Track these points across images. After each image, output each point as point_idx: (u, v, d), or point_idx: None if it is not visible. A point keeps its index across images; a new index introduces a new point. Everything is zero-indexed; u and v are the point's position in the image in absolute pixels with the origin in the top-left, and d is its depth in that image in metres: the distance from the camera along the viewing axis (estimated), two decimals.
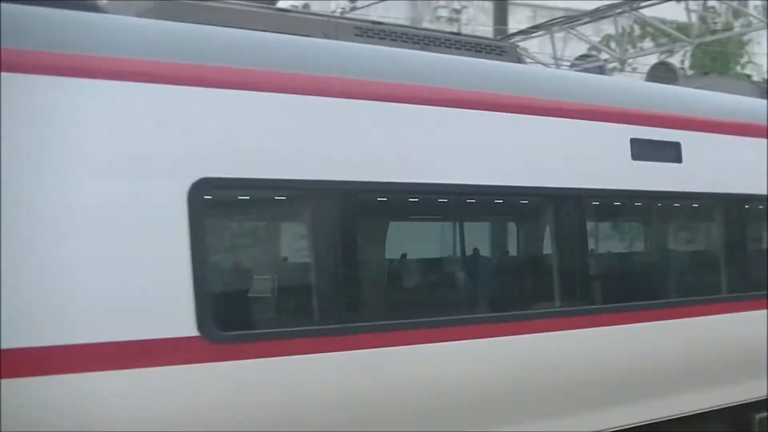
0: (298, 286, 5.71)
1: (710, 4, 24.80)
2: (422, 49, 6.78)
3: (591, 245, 7.19)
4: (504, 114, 6.56)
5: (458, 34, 7.49)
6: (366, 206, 5.85)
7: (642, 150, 7.46)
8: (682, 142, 7.77)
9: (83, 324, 4.74)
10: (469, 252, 6.59)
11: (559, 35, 18.78)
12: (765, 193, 8.40)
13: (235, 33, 5.75)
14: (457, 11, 25.28)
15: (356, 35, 6.64)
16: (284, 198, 5.66)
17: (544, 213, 6.93)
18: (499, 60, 7.26)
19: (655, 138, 7.56)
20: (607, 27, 21.47)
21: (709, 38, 24.85)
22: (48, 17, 5.09)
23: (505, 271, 7.02)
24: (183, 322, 4.97)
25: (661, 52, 24.46)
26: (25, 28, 4.93)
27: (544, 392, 6.42)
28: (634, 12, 18.03)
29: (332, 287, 5.58)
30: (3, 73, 4.76)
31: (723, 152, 8.05)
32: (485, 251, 6.95)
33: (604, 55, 20.91)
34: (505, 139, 6.52)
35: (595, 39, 21.95)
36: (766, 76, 30.64)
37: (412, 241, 6.47)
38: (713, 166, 7.96)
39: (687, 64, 27.08)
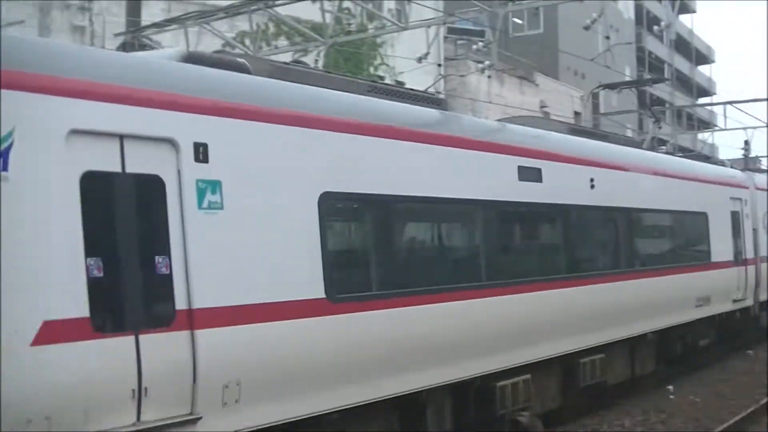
0: (377, 265, 9.48)
1: (345, 5, 25.34)
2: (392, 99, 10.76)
3: (498, 236, 11.38)
4: (445, 148, 10.51)
5: (414, 90, 11.50)
6: (392, 210, 9.88)
7: (523, 174, 11.96)
8: (542, 168, 12.41)
9: (264, 290, 7.96)
10: (424, 241, 10.71)
11: (193, 30, 18.36)
12: (590, 203, 13.56)
13: (333, 95, 9.48)
14: None
15: (368, 91, 10.46)
16: (362, 204, 9.31)
17: (468, 215, 10.99)
18: (437, 108, 11.30)
19: (528, 166, 12.01)
20: (242, 23, 21.43)
21: (343, 39, 25.26)
22: (236, 81, 8.38)
23: (450, 254, 11.02)
24: (315, 291, 8.49)
25: (296, 51, 24.59)
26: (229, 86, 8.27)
27: (480, 340, 10.77)
28: (269, 10, 18.16)
29: (391, 266, 9.65)
30: (217, 118, 7.87)
31: (563, 175, 12.87)
32: (435, 240, 11.03)
33: (238, 51, 21.08)
34: (445, 165, 10.44)
35: (230, 35, 21.72)
36: (397, 78, 31.74)
37: (417, 232, 10.67)
38: (559, 185, 12.75)
39: (321, 63, 27.51)
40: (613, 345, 13.94)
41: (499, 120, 13.64)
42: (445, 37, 35.94)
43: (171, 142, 7.41)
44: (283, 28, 25.32)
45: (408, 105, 10.75)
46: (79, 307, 6.65)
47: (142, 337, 7.06)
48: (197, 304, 7.45)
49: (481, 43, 31.34)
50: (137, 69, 7.51)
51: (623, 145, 16.57)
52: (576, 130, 15.48)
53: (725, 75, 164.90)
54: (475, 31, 38.21)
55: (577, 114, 44.97)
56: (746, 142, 35.73)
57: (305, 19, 23.86)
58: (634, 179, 15.46)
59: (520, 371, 11.47)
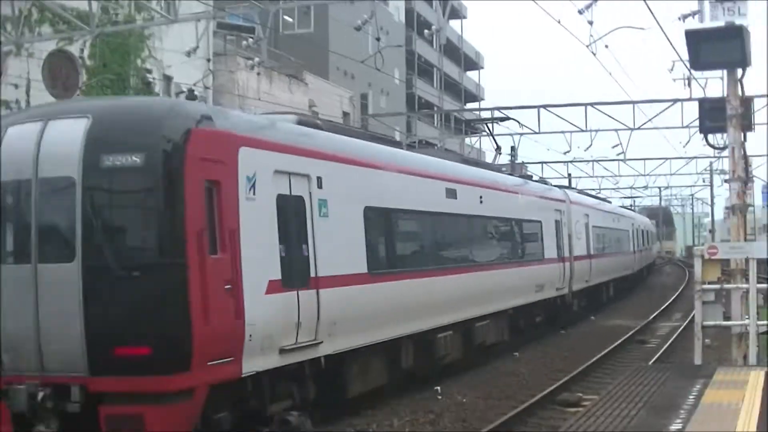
0: (398, 251, 16.03)
1: None
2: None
3: (439, 235, 18.25)
4: (418, 178, 17.69)
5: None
6: (415, 218, 17.24)
7: (448, 193, 18.61)
8: (457, 190, 19.10)
9: (341, 267, 13.85)
10: (420, 236, 17.49)
11: None
12: (481, 214, 20.48)
13: (376, 147, 16.64)
14: None
15: (408, 146, 23.36)
16: (381, 214, 15.50)
17: (428, 221, 17.85)
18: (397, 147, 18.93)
19: (451, 187, 18.63)
20: (4, 8, 20.98)
21: (110, 29, 24.31)
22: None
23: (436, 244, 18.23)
24: (363, 268, 14.55)
25: (60, 39, 23.38)
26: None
27: (459, 300, 18.43)
28: None
29: (408, 252, 16.57)
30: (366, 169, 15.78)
31: (468, 194, 19.71)
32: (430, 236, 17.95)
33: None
34: (420, 188, 17.53)
35: None
36: (165, 72, 30.91)
37: (422, 232, 17.62)
38: (466, 201, 19.55)
39: (86, 53, 26.34)
40: (491, 316, 20.81)
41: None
42: (215, 32, 35.25)
43: (307, 177, 13.31)
44: (47, 14, 24.08)
45: (403, 151, 19.09)
46: (277, 273, 12.16)
47: (300, 292, 12.70)
48: (319, 274, 13.16)
49: (251, 40, 30.87)
50: (290, 132, 13.45)
51: (495, 170, 24.43)
52: (467, 160, 23.32)
53: (493, 80, 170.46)
54: (245, 27, 37.87)
55: (345, 114, 45.23)
56: (512, 148, 37.25)
57: (71, 6, 22.76)
58: (504, 196, 22.79)
59: (448, 328, 18.46)
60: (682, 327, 28.53)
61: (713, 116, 17.08)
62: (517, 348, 23.29)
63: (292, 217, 12.81)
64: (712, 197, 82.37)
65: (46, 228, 11.09)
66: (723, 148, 18.71)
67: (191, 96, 15.42)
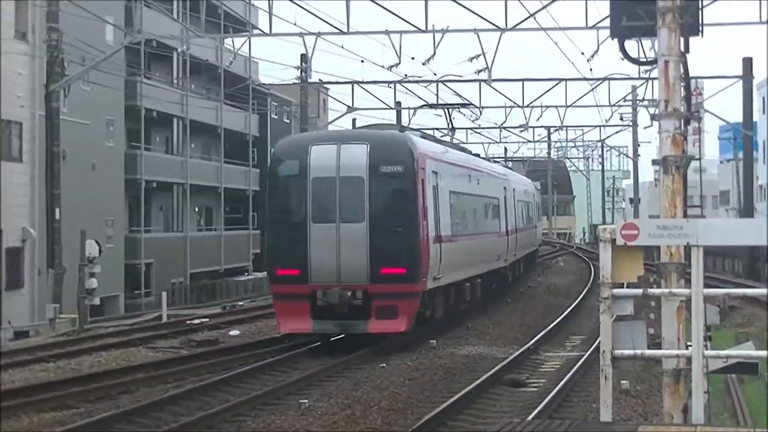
0: (461, 220, 29.32)
1: None
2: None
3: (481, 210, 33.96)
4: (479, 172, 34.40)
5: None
6: (472, 199, 31.58)
7: (473, 178, 32.47)
8: (471, 175, 32.58)
9: (444, 230, 26.83)
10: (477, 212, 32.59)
11: None
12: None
13: (460, 154, 33.32)
14: None
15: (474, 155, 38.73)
16: (455, 196, 28.54)
17: (492, 201, 35.55)
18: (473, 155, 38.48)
19: (474, 174, 32.98)
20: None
21: None
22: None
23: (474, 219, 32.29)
24: (449, 231, 27.41)
25: None
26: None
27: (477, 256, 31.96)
28: None
29: (469, 222, 30.75)
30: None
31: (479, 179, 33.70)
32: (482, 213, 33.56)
33: None
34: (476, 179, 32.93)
35: None
36: None
37: (470, 208, 31.35)
38: (482, 185, 33.74)
39: None
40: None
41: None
42: None
43: (432, 170, 25.57)
44: None
45: (468, 155, 35.54)
46: (434, 232, 25.45)
47: (438, 244, 25.57)
48: (441, 233, 25.83)
49: None
50: (428, 144, 27.78)
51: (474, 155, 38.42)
52: (460, 148, 37.94)
53: None
54: None
55: None
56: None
57: None
58: (487, 178, 35.04)
59: (476, 278, 30.99)
60: (582, 359, 21.48)
61: (633, 13, 11.37)
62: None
63: (434, 199, 25.45)
64: (636, 144, 58.44)
65: (345, 204, 23.79)
66: (651, 64, 12.12)
67: (402, 129, 28.05)
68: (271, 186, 24.55)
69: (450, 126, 37.78)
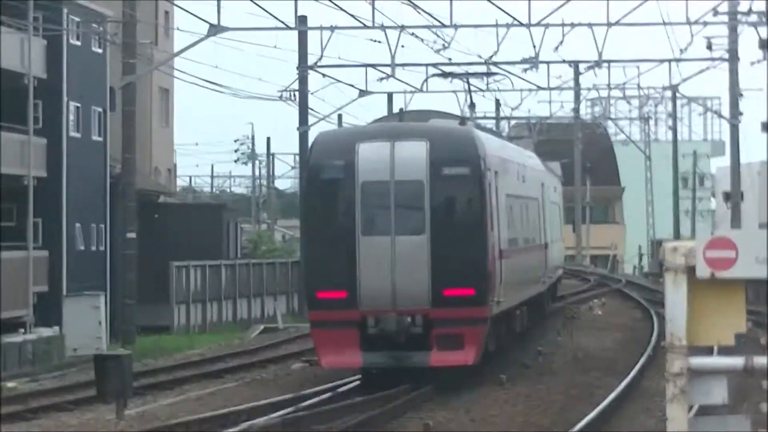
0: (515, 230, 26.19)
1: None
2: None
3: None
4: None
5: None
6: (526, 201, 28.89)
7: (521, 177, 29.03)
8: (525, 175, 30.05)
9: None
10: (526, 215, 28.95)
11: None
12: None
13: (513, 147, 31.93)
14: None
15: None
16: (510, 199, 25.58)
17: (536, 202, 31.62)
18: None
19: (522, 172, 29.17)
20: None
21: None
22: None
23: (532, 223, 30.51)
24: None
25: None
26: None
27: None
28: None
29: (520, 233, 27.16)
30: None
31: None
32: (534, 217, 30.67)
33: None
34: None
35: None
36: None
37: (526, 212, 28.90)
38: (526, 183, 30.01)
39: None
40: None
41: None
42: None
43: (494, 171, 23.13)
44: None
45: (522, 150, 33.03)
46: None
47: (499, 261, 22.96)
48: (501, 247, 23.46)
49: None
50: (490, 139, 25.00)
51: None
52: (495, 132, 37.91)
53: None
54: None
55: None
56: None
57: None
58: (530, 173, 31.14)
59: (523, 306, 27.34)
60: None
61: None
62: None
63: (497, 205, 23.35)
64: (736, 93, 34.50)
65: (401, 212, 21.59)
66: None
67: (463, 122, 25.24)
68: (310, 191, 22.99)
69: (469, 101, 31.78)
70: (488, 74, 35.79)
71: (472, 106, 31.66)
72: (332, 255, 21.95)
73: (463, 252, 21.70)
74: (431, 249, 21.54)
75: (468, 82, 31.86)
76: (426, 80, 37.18)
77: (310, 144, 23.88)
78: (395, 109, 39.57)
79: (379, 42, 35.26)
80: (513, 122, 63.22)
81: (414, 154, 21.85)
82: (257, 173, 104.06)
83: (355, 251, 21.53)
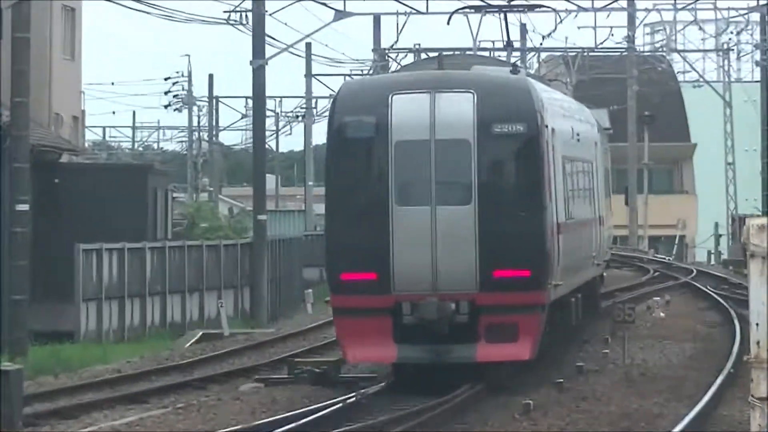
0: (571, 200, 29.44)
1: None
2: None
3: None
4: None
5: None
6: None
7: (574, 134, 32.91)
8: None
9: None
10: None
11: None
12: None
13: (567, 98, 37.26)
14: None
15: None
16: (572, 165, 30.45)
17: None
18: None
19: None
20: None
21: None
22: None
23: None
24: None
25: None
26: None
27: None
28: None
29: (575, 203, 30.47)
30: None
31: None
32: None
33: None
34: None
35: None
36: None
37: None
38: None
39: None
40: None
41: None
42: None
43: (551, 128, 26.00)
44: None
45: (572, 100, 38.78)
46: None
47: (556, 237, 26.06)
48: (558, 220, 26.82)
49: None
50: (546, 91, 28.31)
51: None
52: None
53: None
54: None
55: None
56: None
57: None
58: (583, 128, 34.39)
59: (577, 292, 30.78)
60: None
61: None
62: None
63: (554, 170, 26.16)
64: None
65: (443, 178, 23.88)
66: None
67: (515, 69, 27.53)
68: (333, 153, 24.98)
69: (507, 38, 38.76)
70: (531, 6, 40.33)
71: (509, 45, 38.08)
72: (360, 229, 24.24)
73: (517, 225, 24.03)
74: (479, 221, 23.89)
75: (506, 18, 34.45)
76: (451, 15, 38.18)
77: (333, 98, 26.20)
78: (383, 39, 40.72)
79: None
80: (544, 55, 64.30)
81: (459, 108, 24.11)
82: (195, 124, 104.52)
83: (388, 224, 23.89)
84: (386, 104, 24.10)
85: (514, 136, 24.14)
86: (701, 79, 79.86)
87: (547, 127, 25.13)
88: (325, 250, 25.80)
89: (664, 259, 68.26)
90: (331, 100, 27.17)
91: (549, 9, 42.55)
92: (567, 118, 29.74)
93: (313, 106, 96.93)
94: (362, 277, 23.94)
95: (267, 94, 60.01)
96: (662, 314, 41.59)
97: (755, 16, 56.90)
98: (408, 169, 24.14)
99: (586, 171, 33.40)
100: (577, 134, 31.53)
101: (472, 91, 24.09)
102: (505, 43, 38.05)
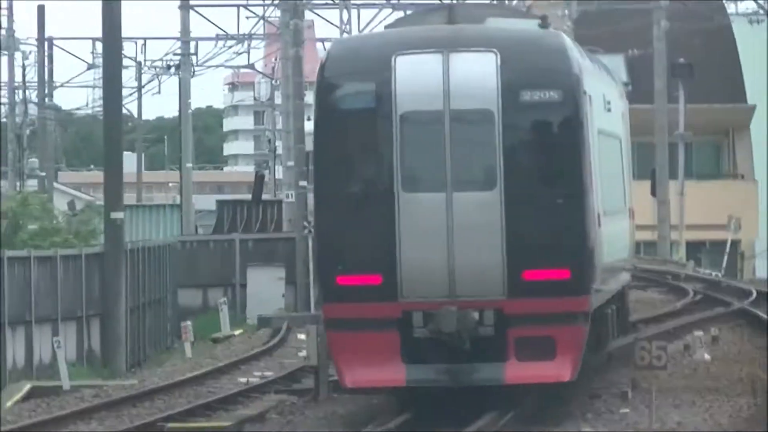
0: (606, 186, 32.62)
1: None
2: None
3: None
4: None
5: None
6: None
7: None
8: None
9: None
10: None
11: None
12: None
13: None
14: None
15: None
16: (606, 142, 34.36)
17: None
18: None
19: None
20: None
21: None
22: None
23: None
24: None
25: None
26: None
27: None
28: None
29: (610, 190, 34.11)
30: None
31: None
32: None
33: None
34: None
35: None
36: None
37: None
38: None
39: None
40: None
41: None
42: None
43: (589, 96, 29.21)
44: None
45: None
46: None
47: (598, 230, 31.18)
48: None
49: None
50: (579, 50, 31.05)
51: None
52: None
53: None
54: None
55: None
56: None
57: None
58: (614, 94, 38.01)
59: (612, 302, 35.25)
60: None
61: None
62: None
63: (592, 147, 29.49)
64: None
65: (460, 158, 26.66)
66: None
67: (545, 22, 29.26)
68: (322, 128, 27.58)
69: None
70: None
71: None
72: (358, 222, 27.04)
73: (552, 215, 26.89)
74: (506, 211, 26.60)
75: None
76: None
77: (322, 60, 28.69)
78: None
79: None
80: None
81: (478, 71, 26.81)
82: (18, 78, 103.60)
83: (393, 216, 26.65)
84: (389, 67, 26.58)
85: (547, 105, 26.81)
86: (762, 11, 79.34)
87: (585, 93, 27.56)
88: (316, 248, 29.31)
89: (710, 275, 68.99)
90: (321, 62, 28.56)
91: None
92: (599, 81, 32.24)
93: (192, 51, 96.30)
94: (363, 281, 26.58)
95: (124, 34, 59.58)
96: (707, 356, 41.77)
97: None
98: (416, 148, 26.76)
99: (615, 149, 35.74)
100: (608, 102, 33.75)
101: (494, 50, 26.59)
102: None
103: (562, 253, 26.51)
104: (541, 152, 26.97)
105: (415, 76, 26.54)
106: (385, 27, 36.29)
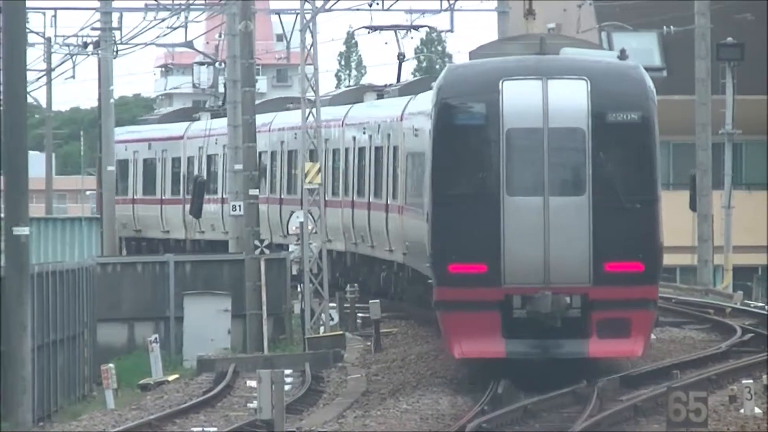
0: None
1: None
2: None
3: None
4: None
5: None
6: None
7: None
8: None
9: None
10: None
11: None
12: None
13: None
14: None
15: None
16: None
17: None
18: None
19: None
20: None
21: None
22: None
23: None
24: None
25: None
26: None
27: None
28: None
29: None
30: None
31: None
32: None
33: None
34: None
35: None
36: None
37: None
38: None
39: None
40: None
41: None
42: None
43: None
44: None
45: None
46: None
47: None
48: None
49: None
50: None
51: None
52: None
53: None
54: None
55: None
56: None
57: None
58: None
59: None
60: None
61: None
62: None
63: None
64: None
65: (557, 168, 43.23)
66: None
67: (623, 55, 45.33)
68: (439, 140, 38.39)
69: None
70: None
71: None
72: (469, 219, 38.51)
73: (631, 217, 38.85)
74: (593, 213, 38.46)
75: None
76: None
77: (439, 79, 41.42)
78: None
79: None
80: None
81: (572, 95, 38.61)
82: None
83: (499, 215, 38.11)
84: (497, 90, 37.99)
85: (628, 125, 39.16)
86: None
87: (656, 114, 38.89)
88: (431, 242, 41.12)
89: (762, 309, 69.79)
90: (437, 83, 40.23)
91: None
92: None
93: (116, 25, 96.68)
94: (471, 270, 39.17)
95: (29, 3, 60.43)
96: (757, 410, 42.64)
97: None
98: (519, 158, 38.36)
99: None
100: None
101: (585, 78, 38.18)
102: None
103: (638, 250, 38.57)
104: (622, 165, 39.06)
105: (519, 98, 38.46)
106: (470, 53, 46.34)
